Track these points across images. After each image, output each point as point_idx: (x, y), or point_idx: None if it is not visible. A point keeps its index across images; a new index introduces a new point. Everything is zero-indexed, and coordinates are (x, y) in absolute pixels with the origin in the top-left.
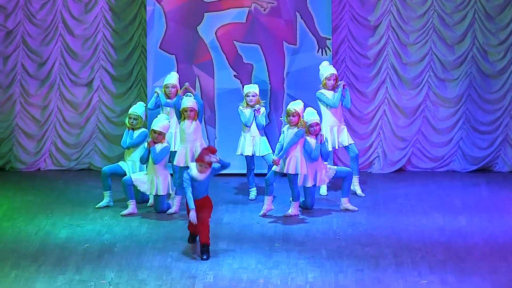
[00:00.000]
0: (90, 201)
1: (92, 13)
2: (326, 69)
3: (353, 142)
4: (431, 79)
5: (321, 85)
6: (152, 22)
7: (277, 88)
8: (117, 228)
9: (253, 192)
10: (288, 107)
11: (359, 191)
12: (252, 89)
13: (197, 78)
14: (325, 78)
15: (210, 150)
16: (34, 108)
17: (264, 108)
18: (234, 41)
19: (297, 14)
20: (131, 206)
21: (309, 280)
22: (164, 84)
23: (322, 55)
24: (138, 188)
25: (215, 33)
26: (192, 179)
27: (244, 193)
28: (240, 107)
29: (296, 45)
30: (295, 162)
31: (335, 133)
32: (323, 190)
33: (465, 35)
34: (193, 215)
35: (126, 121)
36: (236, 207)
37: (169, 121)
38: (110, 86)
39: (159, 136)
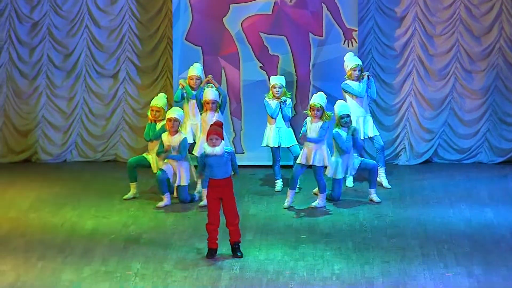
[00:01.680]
0: (116, 193)
1: (118, 4)
2: (351, 60)
3: (379, 133)
4: (458, 71)
5: (346, 76)
6: (178, 14)
7: (303, 79)
8: (143, 220)
9: (278, 184)
10: (312, 101)
11: (385, 182)
12: (278, 80)
13: (222, 69)
14: (350, 69)
15: (216, 123)
16: (60, 99)
17: (290, 100)
18: (260, 33)
19: (323, 5)
20: (167, 199)
21: (335, 272)
22: (188, 75)
23: (348, 46)
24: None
25: (241, 25)
26: (208, 157)
27: (270, 184)
28: (266, 98)
29: (322, 36)
30: (322, 154)
31: (361, 123)
32: (350, 181)
33: (492, 26)
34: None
35: (148, 113)
36: (262, 198)
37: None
38: (136, 78)
39: (175, 123)
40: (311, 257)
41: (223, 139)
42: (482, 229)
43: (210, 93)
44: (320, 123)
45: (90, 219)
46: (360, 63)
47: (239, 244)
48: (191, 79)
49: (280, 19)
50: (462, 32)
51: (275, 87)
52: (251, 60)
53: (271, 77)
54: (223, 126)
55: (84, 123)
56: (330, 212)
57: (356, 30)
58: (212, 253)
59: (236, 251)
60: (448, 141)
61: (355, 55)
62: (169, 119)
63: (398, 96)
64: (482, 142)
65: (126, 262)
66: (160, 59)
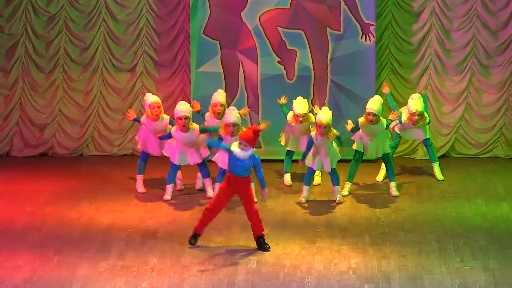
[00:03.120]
0: (133, 187)
1: None
2: (412, 104)
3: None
4: (475, 65)
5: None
6: (196, 7)
7: (321, 74)
8: (160, 214)
9: (287, 177)
10: (321, 120)
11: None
12: (302, 110)
13: (240, 64)
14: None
15: (254, 129)
16: (77, 93)
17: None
18: (278, 27)
19: (341, 0)
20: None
21: (352, 266)
22: (212, 103)
23: (365, 41)
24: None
25: (259, 19)
26: (233, 155)
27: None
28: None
29: (340, 31)
30: (332, 156)
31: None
32: (380, 176)
33: (508, 21)
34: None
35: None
36: (279, 193)
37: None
38: (153, 72)
39: (186, 120)
40: (328, 252)
41: (253, 147)
42: (499, 223)
43: (230, 116)
44: (329, 140)
45: (107, 214)
46: (420, 109)
47: (263, 237)
48: (215, 106)
49: (298, 13)
50: (479, 27)
51: (298, 116)
52: (269, 54)
53: (295, 103)
54: (259, 134)
55: (101, 117)
56: (347, 206)
57: (373, 25)
58: (195, 239)
59: (262, 245)
60: (465, 135)
61: (420, 98)
62: (179, 118)
63: (415, 91)
64: (498, 137)
65: (143, 257)
66: (178, 53)
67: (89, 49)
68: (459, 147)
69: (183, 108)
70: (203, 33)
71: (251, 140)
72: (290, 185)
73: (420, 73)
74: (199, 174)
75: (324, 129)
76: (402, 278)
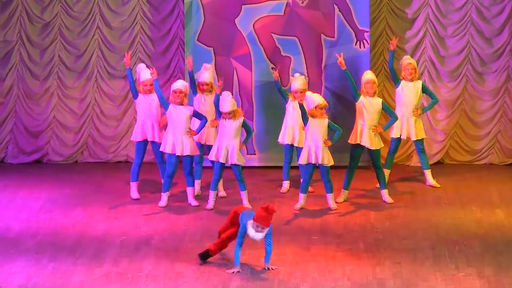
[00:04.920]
0: (127, 193)
1: (129, 5)
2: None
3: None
4: (469, 72)
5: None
6: (190, 15)
7: (315, 81)
8: (154, 220)
9: (285, 185)
10: (320, 101)
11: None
12: (301, 86)
13: (234, 70)
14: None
15: (270, 210)
16: (71, 100)
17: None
18: (272, 34)
19: (335, 6)
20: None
21: (346, 273)
22: (198, 81)
23: (360, 48)
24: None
25: (253, 26)
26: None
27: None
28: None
29: (334, 38)
30: (328, 153)
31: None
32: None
33: (503, 28)
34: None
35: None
36: (274, 199)
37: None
38: None
39: (180, 94)
40: (323, 258)
41: (268, 226)
42: (493, 230)
43: (226, 105)
44: (326, 120)
45: (101, 220)
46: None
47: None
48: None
49: (292, 20)
50: (473, 34)
51: (297, 93)
52: (263, 61)
53: (293, 80)
54: (273, 212)
55: (96, 124)
56: (342, 213)
57: (368, 31)
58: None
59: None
60: (460, 142)
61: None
62: (175, 91)
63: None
64: (493, 144)
65: (137, 263)
66: (172, 60)
67: (84, 56)
68: (454, 154)
69: (179, 84)
70: (197, 40)
71: (266, 221)
72: (285, 193)
73: None
74: (197, 181)
75: (325, 109)
76: (397, 285)
